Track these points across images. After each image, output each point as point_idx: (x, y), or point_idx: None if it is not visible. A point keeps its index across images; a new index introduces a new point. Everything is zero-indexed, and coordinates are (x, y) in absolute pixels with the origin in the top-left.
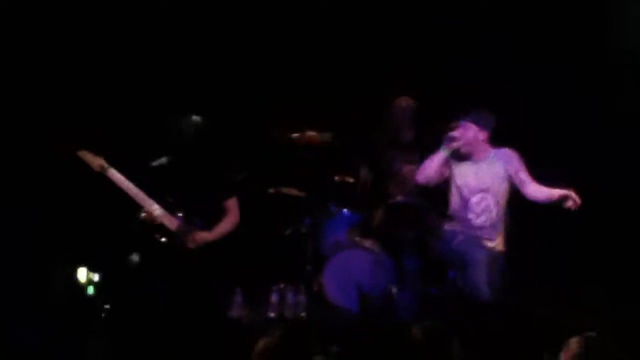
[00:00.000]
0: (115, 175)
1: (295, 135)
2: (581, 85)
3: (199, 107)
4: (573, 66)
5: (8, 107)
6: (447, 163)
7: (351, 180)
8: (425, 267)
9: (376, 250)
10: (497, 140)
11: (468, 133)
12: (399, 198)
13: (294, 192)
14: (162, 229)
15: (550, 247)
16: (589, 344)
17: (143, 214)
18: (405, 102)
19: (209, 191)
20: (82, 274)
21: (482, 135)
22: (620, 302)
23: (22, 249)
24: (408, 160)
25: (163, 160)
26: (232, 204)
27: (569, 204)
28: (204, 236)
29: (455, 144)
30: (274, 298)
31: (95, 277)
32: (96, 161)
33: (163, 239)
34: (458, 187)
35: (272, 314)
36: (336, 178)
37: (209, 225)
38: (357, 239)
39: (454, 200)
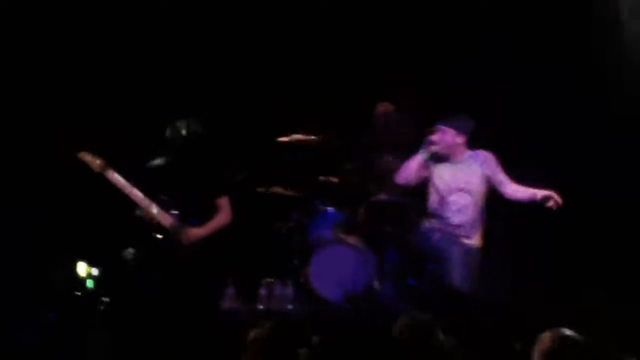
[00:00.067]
0: (114, 175)
1: (284, 138)
2: (581, 85)
3: (192, 109)
4: (573, 66)
5: (9, 108)
6: (426, 165)
7: (336, 180)
8: (405, 260)
9: (360, 246)
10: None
11: (446, 137)
12: (381, 196)
13: (282, 191)
14: (157, 226)
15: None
16: (560, 339)
17: (140, 212)
18: (381, 107)
19: (202, 190)
20: (81, 268)
21: (460, 139)
22: (615, 301)
23: (22, 245)
24: (388, 161)
25: (159, 161)
26: (224, 202)
27: (551, 203)
28: (196, 232)
29: (433, 147)
30: (262, 291)
31: (95, 272)
32: (96, 162)
33: (159, 236)
34: (436, 187)
35: (260, 306)
36: (321, 178)
37: (202, 223)
38: (341, 235)
39: (433, 199)
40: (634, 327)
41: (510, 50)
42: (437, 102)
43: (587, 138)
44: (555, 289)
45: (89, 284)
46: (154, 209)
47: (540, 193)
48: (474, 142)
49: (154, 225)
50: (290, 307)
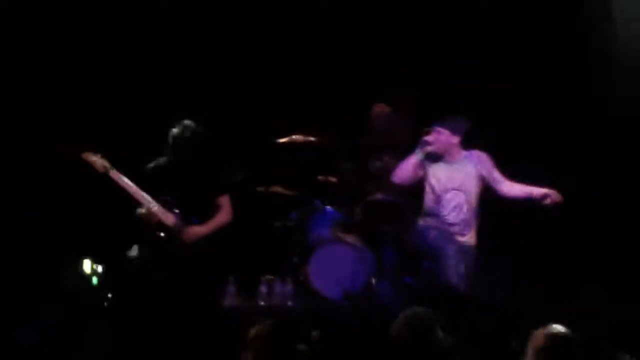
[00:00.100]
0: (117, 175)
1: (283, 139)
2: (581, 86)
3: (194, 109)
4: (573, 66)
5: (10, 108)
6: (421, 165)
7: (334, 180)
8: (402, 259)
9: (358, 245)
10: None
11: (441, 137)
12: (378, 196)
13: (281, 190)
14: (160, 224)
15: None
16: (554, 336)
17: (142, 211)
18: (378, 109)
19: (203, 190)
20: (87, 265)
21: (455, 139)
22: (614, 300)
23: (23, 244)
24: (385, 161)
25: (161, 161)
26: (224, 201)
27: (548, 201)
28: (198, 231)
29: (429, 148)
30: (263, 288)
31: (99, 269)
32: (99, 162)
33: (161, 234)
34: (432, 186)
35: (261, 303)
36: (320, 178)
37: (203, 222)
38: (340, 234)
39: (428, 197)
40: (633, 326)
41: (510, 50)
42: (436, 102)
43: (586, 138)
44: (554, 287)
45: (94, 280)
46: (156, 208)
47: (537, 191)
48: (470, 143)
49: (156, 224)
50: (290, 304)
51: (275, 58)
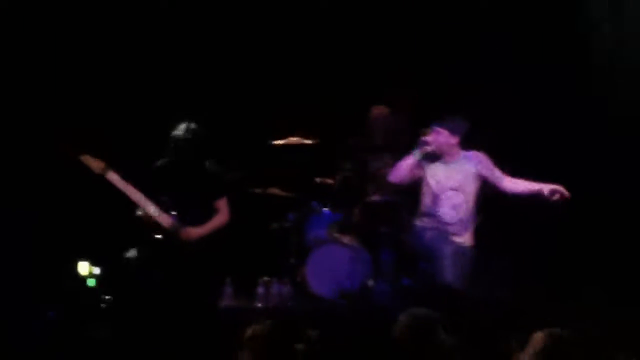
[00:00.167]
0: (114, 177)
1: (279, 141)
2: (581, 86)
3: (191, 110)
4: (573, 66)
5: (10, 108)
6: (419, 164)
7: (331, 181)
8: (399, 260)
9: (354, 245)
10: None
11: (439, 138)
12: (375, 197)
13: (279, 192)
14: (157, 226)
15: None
16: (553, 339)
17: (140, 213)
18: (377, 110)
19: (201, 191)
20: (84, 267)
21: (454, 139)
22: (614, 300)
23: (23, 245)
24: (383, 163)
25: (158, 162)
26: (222, 203)
27: (556, 197)
28: (195, 232)
29: (427, 148)
30: (260, 289)
31: (96, 271)
32: (96, 164)
33: (158, 236)
34: (429, 185)
35: (258, 304)
36: (317, 180)
37: (200, 223)
38: (336, 235)
39: (426, 197)
40: (633, 326)
41: (510, 50)
42: (436, 102)
43: (586, 138)
44: (553, 286)
45: (91, 282)
46: (154, 210)
47: (546, 188)
48: (469, 143)
49: (154, 226)
50: (288, 304)
51: (273, 58)
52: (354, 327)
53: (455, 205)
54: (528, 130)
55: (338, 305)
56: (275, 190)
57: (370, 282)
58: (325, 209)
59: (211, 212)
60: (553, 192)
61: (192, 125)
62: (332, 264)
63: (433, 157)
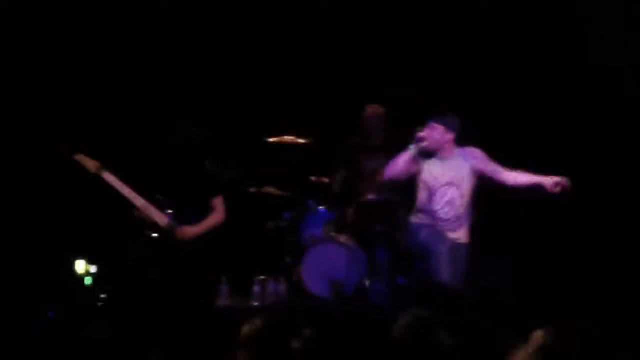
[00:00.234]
0: (110, 177)
1: (274, 139)
2: (581, 86)
3: (186, 110)
4: (573, 66)
5: (9, 108)
6: (415, 161)
7: (327, 180)
8: (395, 259)
9: (350, 245)
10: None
11: (435, 133)
12: (370, 196)
13: (274, 191)
14: (153, 225)
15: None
16: (552, 337)
17: (136, 212)
18: (371, 109)
19: (197, 190)
20: (80, 266)
21: (449, 136)
22: (614, 300)
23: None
24: (378, 162)
25: (154, 161)
26: (218, 202)
27: (559, 189)
28: (191, 231)
29: (422, 144)
30: (256, 288)
31: (93, 269)
32: (92, 164)
33: (154, 235)
34: (425, 181)
35: (255, 303)
36: (313, 179)
37: (196, 222)
38: (332, 234)
39: (421, 193)
40: (633, 326)
41: (510, 50)
42: (435, 101)
43: (586, 138)
44: (553, 286)
45: (88, 281)
46: (149, 209)
47: (548, 180)
48: (468, 142)
49: (149, 225)
50: (283, 303)
51: (270, 58)
52: (350, 326)
53: (450, 201)
54: (528, 130)
55: (334, 304)
56: (271, 189)
57: (366, 281)
58: (321, 208)
59: (207, 211)
60: (556, 184)
61: (188, 125)
62: (328, 263)
63: (429, 153)
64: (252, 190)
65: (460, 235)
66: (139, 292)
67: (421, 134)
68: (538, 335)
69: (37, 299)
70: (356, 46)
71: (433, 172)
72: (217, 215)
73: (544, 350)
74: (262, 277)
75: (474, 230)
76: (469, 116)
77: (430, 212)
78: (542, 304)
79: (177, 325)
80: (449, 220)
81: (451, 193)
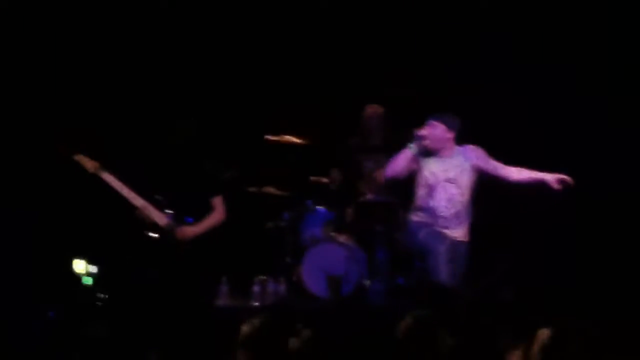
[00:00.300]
0: (109, 177)
1: (273, 138)
2: (581, 85)
3: (186, 109)
4: (573, 66)
5: (9, 108)
6: (415, 159)
7: (326, 180)
8: (394, 258)
9: (350, 244)
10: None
11: (435, 131)
12: (369, 196)
13: (274, 190)
14: (152, 225)
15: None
16: (559, 334)
17: (135, 212)
18: (371, 109)
19: (196, 190)
20: (80, 266)
21: (449, 135)
22: (614, 299)
23: (22, 244)
24: (377, 162)
25: (153, 161)
26: (218, 201)
27: (560, 186)
28: (190, 231)
29: (422, 142)
30: (256, 288)
31: (93, 269)
32: (91, 164)
33: (153, 235)
34: (425, 179)
35: (255, 303)
36: (312, 179)
37: (196, 222)
38: (332, 233)
39: (420, 190)
40: (633, 326)
41: (510, 50)
42: (435, 102)
43: (586, 137)
44: (554, 284)
45: (87, 281)
46: (149, 209)
47: (550, 176)
48: (467, 141)
49: (149, 225)
50: (282, 303)
51: (269, 58)
52: (350, 326)
53: (449, 198)
54: (528, 129)
55: (331, 301)
56: (270, 189)
57: (366, 281)
58: (321, 208)
59: (207, 210)
60: (558, 181)
61: (185, 124)
62: (328, 262)
63: (428, 151)
64: (252, 190)
65: (460, 233)
66: (139, 292)
67: (421, 132)
68: (544, 333)
69: (37, 299)
70: (356, 46)
71: (432, 169)
72: (216, 215)
73: (549, 348)
74: (261, 277)
75: (474, 229)
76: (469, 116)
77: (429, 209)
78: (543, 302)
79: (177, 325)
80: (448, 217)
81: (451, 190)
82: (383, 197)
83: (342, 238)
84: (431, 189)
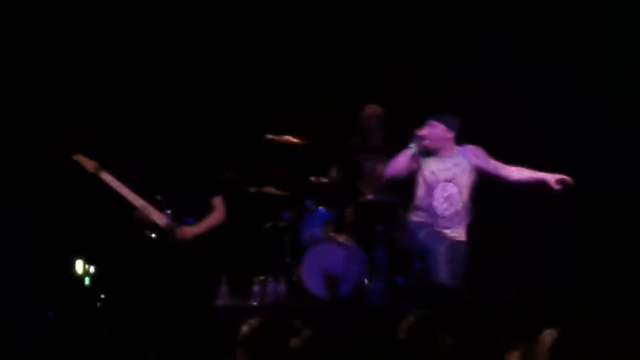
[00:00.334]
0: (108, 177)
1: (273, 138)
2: (581, 85)
3: (186, 109)
4: (573, 66)
5: (8, 108)
6: (415, 159)
7: (325, 180)
8: (394, 258)
9: (350, 244)
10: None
11: (435, 131)
12: (369, 196)
13: (274, 190)
14: (152, 225)
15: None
16: (562, 335)
17: (135, 212)
18: (370, 109)
19: (196, 190)
20: (79, 266)
21: (449, 135)
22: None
23: (22, 244)
24: (376, 162)
25: (153, 161)
26: (217, 202)
27: (560, 187)
28: (190, 231)
29: (422, 142)
30: (256, 288)
31: (92, 269)
32: (90, 164)
33: (153, 235)
34: (425, 178)
35: (254, 303)
36: (312, 178)
37: (196, 222)
38: (332, 233)
39: (420, 189)
40: (633, 326)
41: (510, 50)
42: (435, 102)
43: (586, 137)
44: (554, 285)
45: (86, 281)
46: (148, 209)
47: (551, 177)
48: (467, 141)
49: (148, 225)
50: (282, 303)
51: (269, 58)
52: (349, 325)
53: (448, 197)
54: (528, 129)
55: (328, 300)
56: (270, 189)
57: (366, 281)
58: (320, 208)
59: (207, 210)
60: (558, 181)
61: (185, 124)
62: (328, 262)
63: (428, 151)
64: (252, 190)
65: (459, 233)
66: (138, 292)
67: (421, 132)
68: (550, 334)
69: (37, 299)
70: (356, 46)
71: (432, 169)
72: (216, 215)
73: (556, 349)
74: (261, 277)
75: (474, 229)
76: (469, 116)
77: (428, 209)
78: (543, 303)
79: (176, 325)
80: (447, 217)
81: (450, 189)
82: (383, 197)
83: (341, 238)
84: (431, 189)
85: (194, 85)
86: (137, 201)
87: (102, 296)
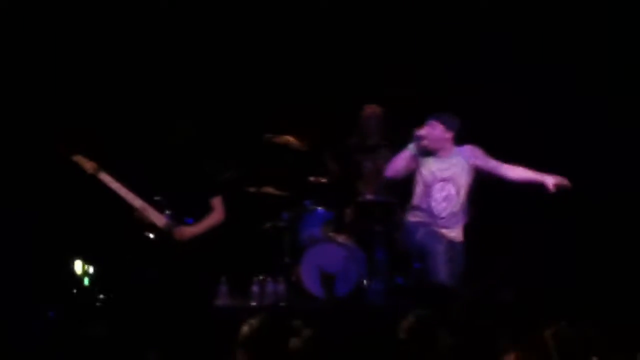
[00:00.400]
0: (107, 177)
1: (272, 136)
2: (581, 85)
3: (185, 109)
4: (573, 66)
5: (8, 108)
6: (414, 158)
7: (325, 180)
8: (393, 258)
9: (349, 244)
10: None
11: (434, 131)
12: (369, 196)
13: (273, 191)
14: (151, 225)
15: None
16: (561, 334)
17: (134, 213)
18: (370, 109)
19: (196, 190)
20: (78, 266)
21: (448, 134)
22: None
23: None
24: (376, 162)
25: (153, 161)
26: (217, 202)
27: (555, 189)
28: (189, 231)
29: (421, 142)
30: (255, 288)
31: (90, 269)
32: (89, 164)
33: (152, 235)
34: (423, 177)
35: (253, 303)
36: (311, 179)
37: (195, 222)
38: (331, 234)
39: (418, 189)
40: (633, 326)
41: (510, 50)
42: (435, 102)
43: (586, 137)
44: (554, 285)
45: (85, 281)
46: (147, 209)
47: (549, 179)
48: (462, 140)
49: (148, 225)
50: (282, 303)
51: (269, 58)
52: (349, 325)
53: (446, 197)
54: (528, 129)
55: (325, 299)
56: (269, 189)
57: (365, 281)
58: (320, 208)
59: (206, 211)
60: (554, 184)
61: (184, 125)
62: (327, 262)
63: (427, 151)
64: (251, 190)
65: (457, 233)
66: (138, 292)
67: (420, 132)
68: (547, 335)
69: (37, 299)
70: (356, 46)
71: (431, 168)
72: (215, 215)
73: (559, 349)
74: (260, 277)
75: (475, 229)
76: (469, 116)
77: (426, 208)
78: (542, 303)
79: (176, 325)
80: (445, 217)
81: (448, 189)
82: (382, 197)
83: (341, 238)
84: (429, 189)
85: (193, 85)
86: (136, 202)
87: (102, 296)
